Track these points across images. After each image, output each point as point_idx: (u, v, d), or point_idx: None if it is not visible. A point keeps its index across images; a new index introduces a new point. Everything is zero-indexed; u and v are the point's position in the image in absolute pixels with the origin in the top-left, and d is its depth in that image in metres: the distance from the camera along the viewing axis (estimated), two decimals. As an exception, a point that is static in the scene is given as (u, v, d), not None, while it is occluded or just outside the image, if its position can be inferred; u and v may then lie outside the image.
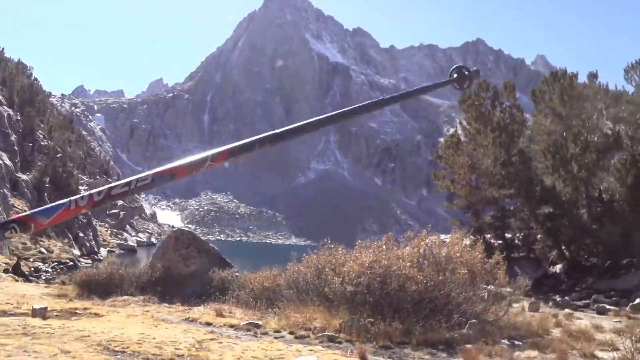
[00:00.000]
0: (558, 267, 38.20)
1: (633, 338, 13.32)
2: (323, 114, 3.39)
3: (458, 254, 18.48)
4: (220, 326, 17.04)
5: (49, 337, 12.57)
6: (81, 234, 77.63)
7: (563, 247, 38.28)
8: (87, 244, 78.48)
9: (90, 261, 64.75)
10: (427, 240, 19.10)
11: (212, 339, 14.07)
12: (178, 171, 2.57)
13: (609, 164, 38.42)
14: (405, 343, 14.80)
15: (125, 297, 24.97)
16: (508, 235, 41.15)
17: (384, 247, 19.09)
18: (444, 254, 18.45)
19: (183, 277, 29.15)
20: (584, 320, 22.16)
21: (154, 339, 13.28)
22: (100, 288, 26.86)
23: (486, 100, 41.65)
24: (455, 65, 4.05)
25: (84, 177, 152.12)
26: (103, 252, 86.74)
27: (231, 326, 16.94)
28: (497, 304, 18.42)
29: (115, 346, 12.19)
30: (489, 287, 18.81)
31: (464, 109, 42.43)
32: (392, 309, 16.35)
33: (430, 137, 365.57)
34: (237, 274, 28.89)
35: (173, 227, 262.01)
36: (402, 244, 19.95)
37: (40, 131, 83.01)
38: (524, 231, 41.10)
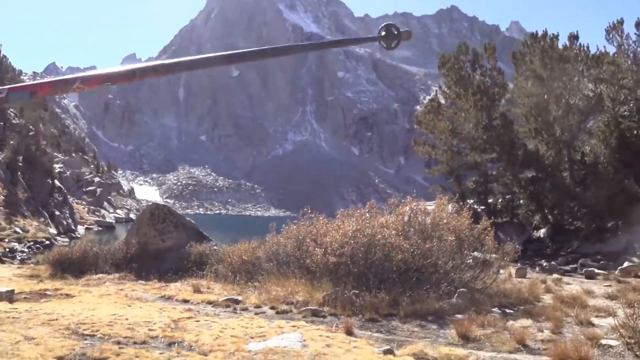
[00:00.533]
0: (542, 232, 37.73)
1: (636, 305, 12.66)
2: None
3: (445, 221, 17.74)
4: (198, 303, 16.25)
5: (13, 323, 11.69)
6: (57, 213, 76.17)
7: (546, 211, 37.81)
8: (64, 222, 77.12)
9: (67, 240, 63.37)
10: (412, 207, 18.31)
11: (188, 318, 13.26)
12: (38, 88, 2.32)
13: (589, 128, 38.01)
14: (393, 315, 14.07)
15: (100, 276, 24.04)
16: (490, 201, 40.59)
17: (367, 215, 18.30)
18: (429, 221, 17.69)
19: (159, 252, 28.03)
20: (573, 285, 21.57)
21: (127, 319, 12.45)
22: (74, 267, 25.74)
23: (466, 64, 40.95)
24: (385, 24, 4.22)
25: (59, 155, 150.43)
26: (81, 230, 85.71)
27: (209, 302, 16.15)
28: (486, 271, 17.74)
29: (84, 329, 11.33)
30: (474, 254, 18.10)
31: (443, 73, 41.61)
32: (378, 280, 15.63)
33: (407, 106, 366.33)
34: (215, 247, 27.82)
35: (151, 202, 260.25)
36: (385, 211, 19.19)
37: (11, 109, 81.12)
38: (507, 196, 40.60)
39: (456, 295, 15.39)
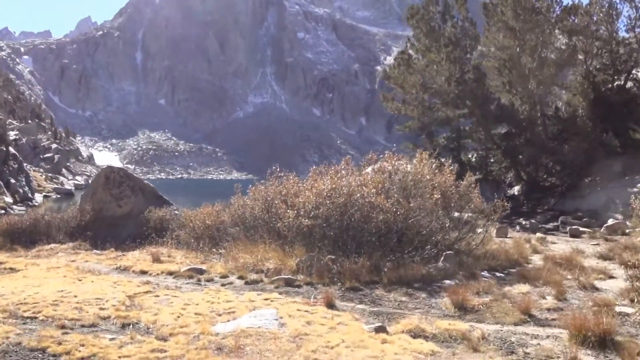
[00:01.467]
0: (516, 189, 36.72)
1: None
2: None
3: (427, 177, 16.17)
4: (157, 274, 14.64)
5: (-61, 305, 10.05)
6: (12, 180, 73.37)
7: (520, 168, 36.71)
8: (20, 191, 74.51)
9: (24, 208, 60.96)
10: (392, 162, 16.70)
11: (146, 292, 11.69)
12: None
13: (563, 83, 36.95)
14: (375, 282, 12.71)
15: (52, 246, 22.28)
16: (463, 158, 39.29)
17: (342, 172, 16.61)
18: (410, 177, 16.09)
19: (116, 219, 26.25)
20: (559, 244, 20.47)
21: (75, 297, 10.86)
22: (25, 237, 23.92)
23: (436, 15, 39.20)
24: None
25: (14, 122, 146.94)
26: (38, 197, 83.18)
27: (170, 274, 14.53)
28: (473, 231, 16.34)
29: (24, 311, 9.78)
30: (456, 214, 16.67)
31: (412, 24, 39.82)
32: (356, 243, 14.16)
33: (367, 66, 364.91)
34: (176, 212, 26.28)
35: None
36: (363, 166, 17.60)
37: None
38: (480, 152, 39.40)
39: (442, 258, 14.04)
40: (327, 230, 14.48)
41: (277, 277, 12.93)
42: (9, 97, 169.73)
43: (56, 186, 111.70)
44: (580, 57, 35.56)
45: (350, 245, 14.06)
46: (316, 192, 15.20)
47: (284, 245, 15.09)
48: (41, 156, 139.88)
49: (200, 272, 14.28)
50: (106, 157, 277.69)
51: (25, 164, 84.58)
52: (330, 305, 10.49)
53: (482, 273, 13.74)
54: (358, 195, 14.65)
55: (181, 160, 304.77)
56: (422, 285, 12.59)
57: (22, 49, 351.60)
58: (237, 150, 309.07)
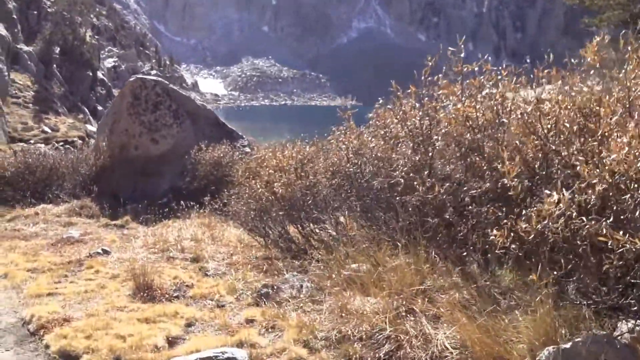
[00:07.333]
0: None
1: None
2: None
3: None
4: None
5: None
6: (100, 108, 67.49)
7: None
8: (108, 118, 70.03)
9: (112, 137, 56.50)
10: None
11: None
12: None
13: None
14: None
15: (42, 207, 15.94)
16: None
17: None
18: None
19: (150, 162, 18.31)
20: None
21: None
22: (20, 187, 17.29)
23: None
24: None
25: (115, 49, 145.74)
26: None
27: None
28: None
29: None
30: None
31: None
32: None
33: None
34: (246, 149, 18.30)
35: (217, 95, 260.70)
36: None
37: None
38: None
39: None
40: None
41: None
42: (110, 24, 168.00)
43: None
44: None
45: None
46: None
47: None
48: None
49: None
50: (211, 84, 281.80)
51: (114, 90, 79.65)
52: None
53: None
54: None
55: (285, 86, 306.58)
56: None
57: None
58: (341, 77, 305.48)
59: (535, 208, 4.85)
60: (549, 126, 5.73)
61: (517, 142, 6.22)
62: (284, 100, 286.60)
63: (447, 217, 6.66)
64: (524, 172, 5.77)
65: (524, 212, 5.15)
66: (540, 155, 5.96)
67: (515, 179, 5.23)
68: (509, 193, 5.32)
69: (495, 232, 5.04)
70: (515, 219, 4.95)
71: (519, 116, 6.13)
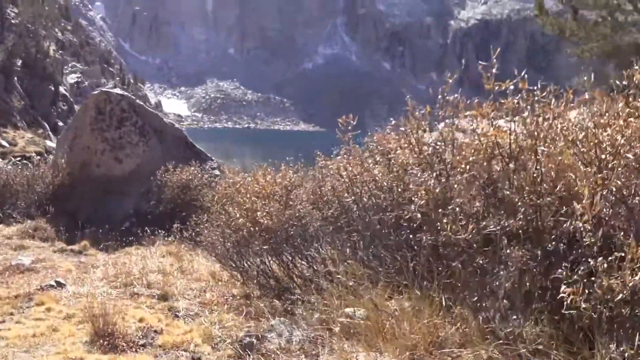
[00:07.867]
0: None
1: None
2: None
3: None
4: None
5: None
6: (61, 123, 67.17)
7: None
8: (68, 135, 69.31)
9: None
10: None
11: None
12: None
13: None
14: None
15: None
16: None
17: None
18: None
19: (113, 182, 17.16)
20: None
21: None
22: None
23: None
24: None
25: (78, 65, 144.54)
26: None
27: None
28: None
29: None
30: None
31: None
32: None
33: (441, 20, 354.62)
34: (215, 172, 17.25)
35: (180, 115, 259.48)
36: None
37: (11, 7, 72.93)
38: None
39: None
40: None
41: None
42: (75, 39, 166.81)
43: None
44: None
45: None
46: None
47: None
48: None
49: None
50: (174, 104, 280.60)
51: (76, 106, 78.80)
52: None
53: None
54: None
55: (248, 109, 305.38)
56: None
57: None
58: (305, 102, 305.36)
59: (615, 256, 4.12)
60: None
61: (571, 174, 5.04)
62: (247, 124, 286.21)
63: (480, 261, 5.61)
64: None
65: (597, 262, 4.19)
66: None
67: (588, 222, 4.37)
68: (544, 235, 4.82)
69: (566, 288, 4.18)
70: (594, 272, 4.20)
71: (570, 144, 5.14)
